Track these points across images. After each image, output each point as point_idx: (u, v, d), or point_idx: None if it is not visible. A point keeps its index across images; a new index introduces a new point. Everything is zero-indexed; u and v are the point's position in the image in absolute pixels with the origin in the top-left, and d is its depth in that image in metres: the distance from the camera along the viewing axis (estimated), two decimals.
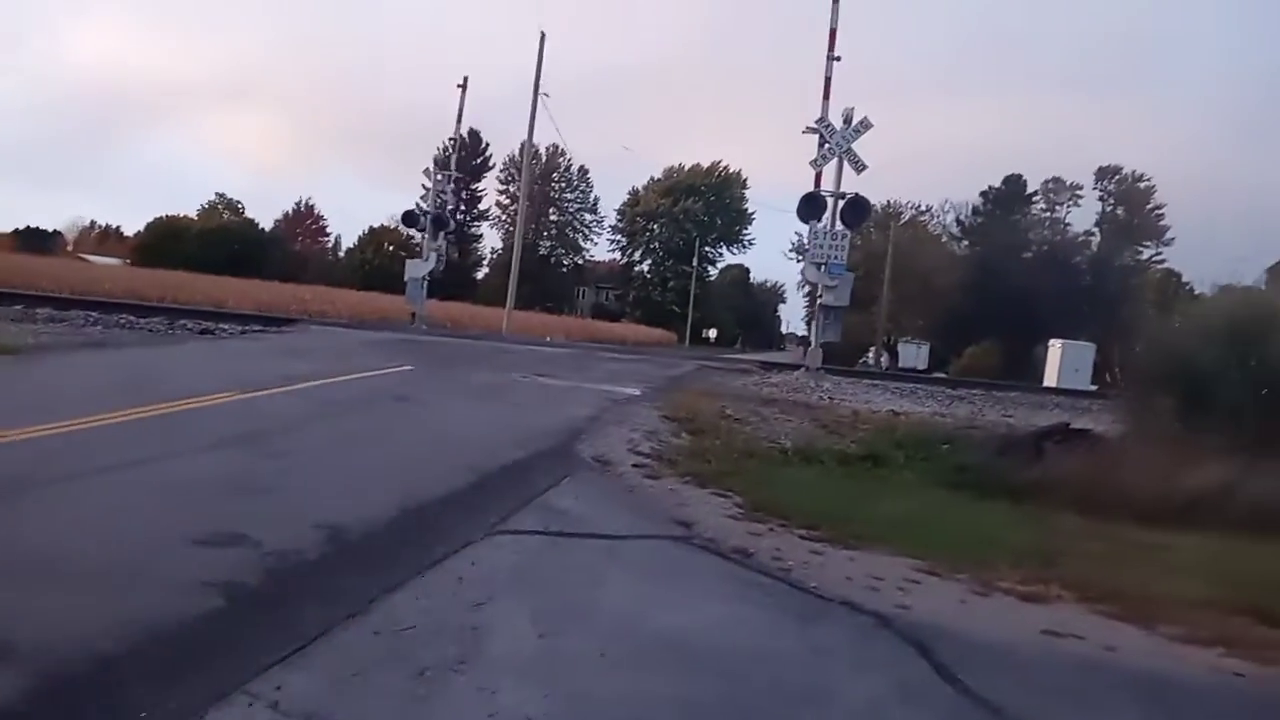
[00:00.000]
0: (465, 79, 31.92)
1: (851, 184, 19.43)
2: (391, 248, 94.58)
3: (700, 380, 17.35)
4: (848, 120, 19.46)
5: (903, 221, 78.37)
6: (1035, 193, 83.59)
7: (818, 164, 19.53)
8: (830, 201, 19.55)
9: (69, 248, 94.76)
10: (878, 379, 22.75)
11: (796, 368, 23.60)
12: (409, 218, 29.41)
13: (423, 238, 29.76)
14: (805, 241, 19.88)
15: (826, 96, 19.83)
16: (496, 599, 4.92)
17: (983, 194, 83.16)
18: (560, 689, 3.93)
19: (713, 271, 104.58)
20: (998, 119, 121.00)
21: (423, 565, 5.32)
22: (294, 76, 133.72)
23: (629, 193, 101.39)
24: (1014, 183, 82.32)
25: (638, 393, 13.85)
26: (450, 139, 29.29)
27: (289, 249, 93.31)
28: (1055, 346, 41.31)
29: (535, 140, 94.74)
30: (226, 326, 20.11)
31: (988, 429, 14.60)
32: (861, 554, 7.35)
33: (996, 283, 70.05)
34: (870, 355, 66.30)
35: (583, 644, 4.47)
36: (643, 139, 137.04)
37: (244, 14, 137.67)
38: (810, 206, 19.57)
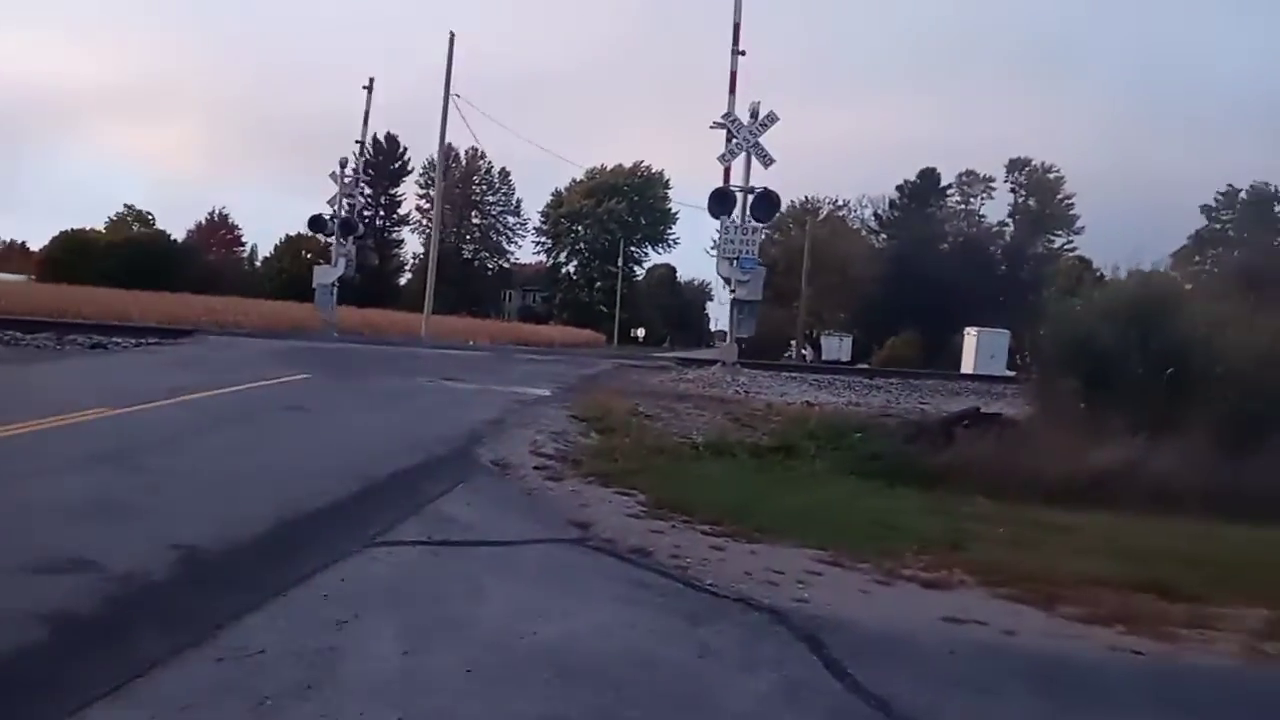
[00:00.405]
0: (371, 80, 31.24)
1: (761, 178, 19.45)
2: (309, 255, 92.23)
3: (616, 379, 17.10)
4: (755, 115, 19.40)
5: (821, 217, 79.29)
6: (949, 186, 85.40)
7: (725, 159, 19.43)
8: (739, 196, 19.46)
9: None
10: (796, 372, 22.78)
11: (715, 363, 23.57)
12: (315, 222, 28.57)
13: (332, 243, 28.91)
14: (721, 242, 19.75)
15: (732, 91, 19.80)
16: (362, 616, 4.58)
17: (898, 188, 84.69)
18: (416, 711, 3.63)
19: (640, 271, 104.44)
20: (911, 114, 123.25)
21: (287, 583, 4.95)
22: (205, 83, 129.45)
23: (552, 194, 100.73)
24: (928, 176, 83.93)
25: (548, 393, 13.53)
26: (357, 141, 28.55)
27: (202, 260, 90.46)
28: (971, 334, 42.03)
29: (456, 143, 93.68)
30: (120, 340, 19.22)
31: (901, 417, 14.62)
32: (764, 548, 7.17)
33: (914, 274, 71.25)
34: (793, 349, 66.82)
35: (450, 660, 4.16)
36: (564, 141, 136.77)
37: (150, 20, 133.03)
38: (720, 202, 19.45)
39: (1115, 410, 12.27)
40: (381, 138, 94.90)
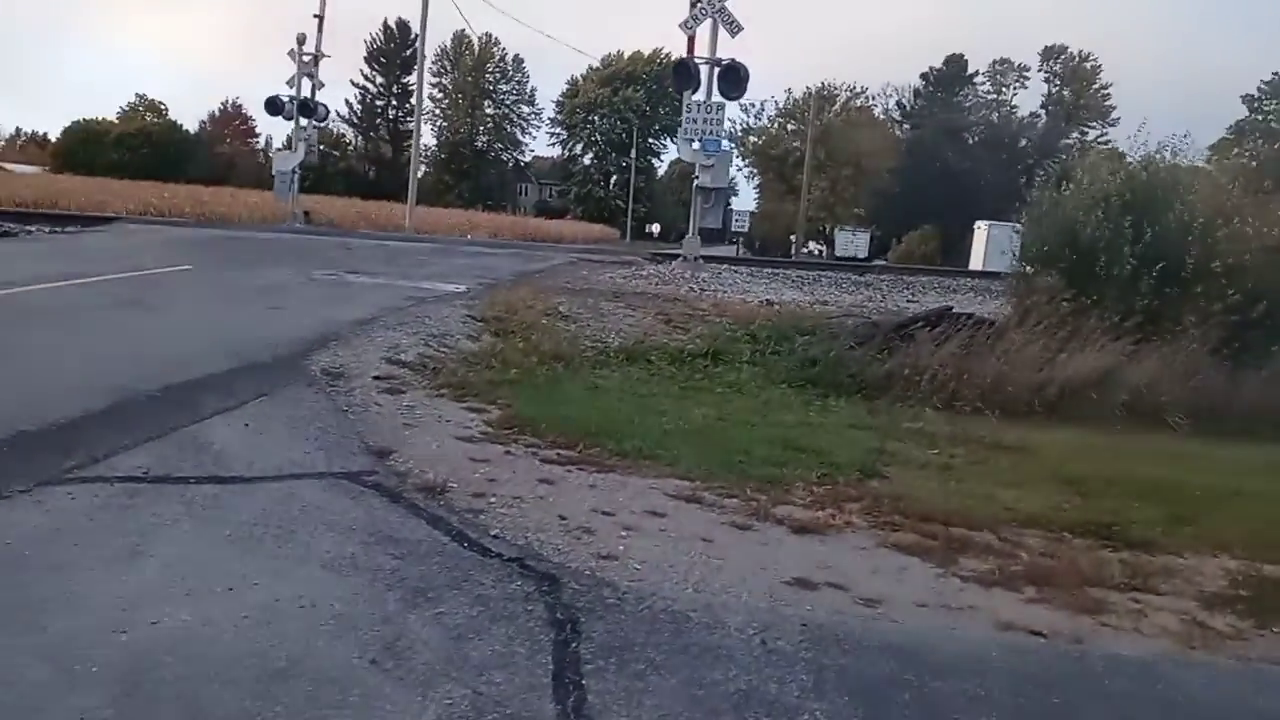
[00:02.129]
0: None
1: (731, 49, 17.45)
2: (322, 147, 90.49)
3: (562, 275, 15.65)
4: None
5: (838, 104, 75.92)
6: (977, 74, 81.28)
7: (689, 26, 17.38)
8: (704, 70, 17.55)
9: None
10: (777, 268, 21.14)
11: (723, 260, 21.94)
12: (272, 105, 26.64)
13: (298, 127, 27.12)
14: (684, 122, 17.81)
15: None
16: None
17: (923, 76, 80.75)
18: None
19: (660, 165, 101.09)
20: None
21: None
22: None
23: (567, 83, 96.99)
24: (955, 63, 79.84)
25: (463, 289, 12.12)
26: (315, 15, 26.44)
27: (215, 151, 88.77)
28: (981, 229, 39.70)
29: (470, 30, 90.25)
30: (35, 228, 18.03)
31: (865, 317, 13.12)
32: (614, 479, 5.85)
33: (935, 167, 68.36)
34: (798, 244, 64.59)
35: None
36: (579, 27, 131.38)
37: None
38: (682, 76, 17.54)
39: (1100, 311, 10.73)
40: (393, 24, 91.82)
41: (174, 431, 5.56)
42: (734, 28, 17.13)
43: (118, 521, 4.22)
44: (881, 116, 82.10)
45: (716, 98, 17.50)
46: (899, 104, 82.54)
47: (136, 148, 75.59)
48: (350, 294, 11.00)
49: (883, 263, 47.84)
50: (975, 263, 36.35)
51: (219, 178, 64.97)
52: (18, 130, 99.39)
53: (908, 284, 21.40)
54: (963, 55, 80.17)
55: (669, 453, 6.58)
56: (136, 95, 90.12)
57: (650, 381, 9.01)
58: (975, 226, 41.98)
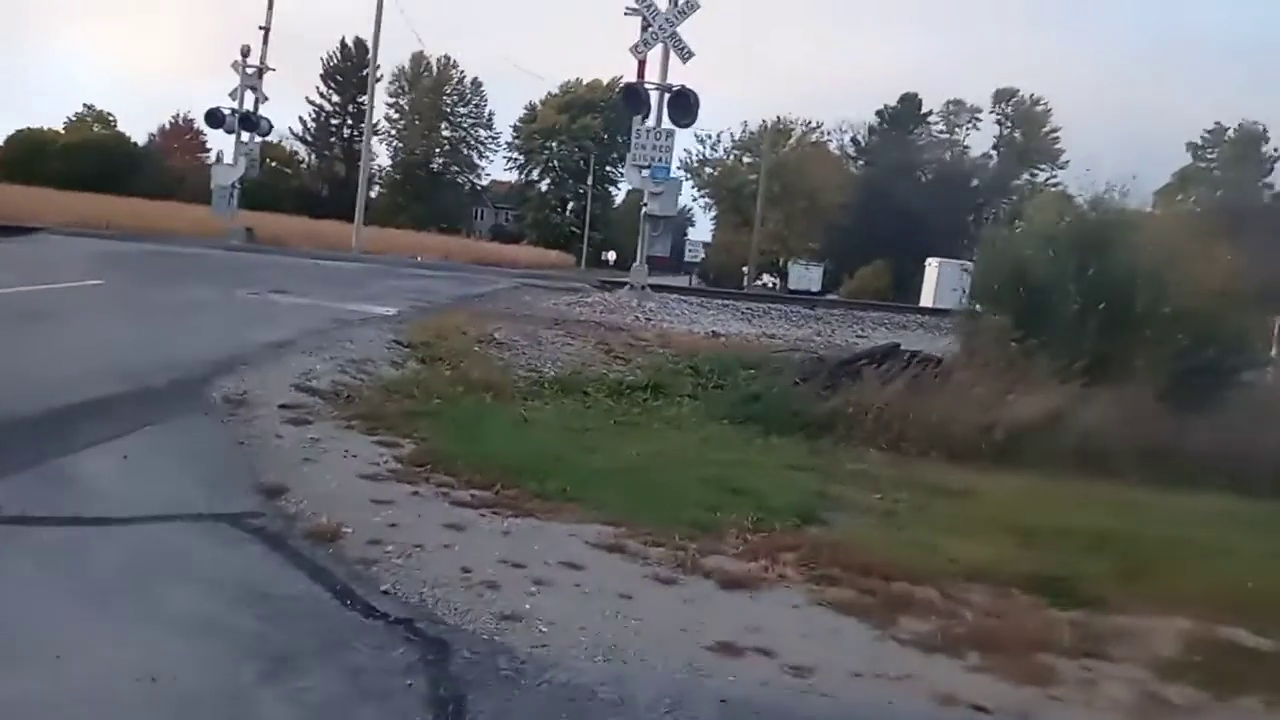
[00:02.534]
0: None
1: (681, 75, 17.20)
2: (274, 164, 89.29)
3: (503, 300, 15.17)
4: (674, 0, 17.09)
5: (793, 138, 76.50)
6: (930, 112, 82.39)
7: (639, 50, 17.07)
8: (655, 95, 17.26)
9: None
10: (726, 299, 20.81)
11: (673, 290, 21.54)
12: (212, 117, 25.88)
13: (239, 141, 26.32)
14: (633, 148, 17.43)
15: None
16: None
17: (878, 113, 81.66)
18: None
19: (618, 193, 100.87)
20: (898, 37, 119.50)
21: None
22: None
23: (526, 108, 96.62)
24: (909, 101, 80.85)
25: (393, 312, 11.60)
26: (261, 27, 25.77)
27: (164, 164, 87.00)
28: (932, 265, 39.78)
29: (428, 52, 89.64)
30: None
31: (812, 352, 12.81)
32: (530, 524, 5.39)
33: (888, 203, 68.85)
34: (750, 276, 64.59)
35: None
36: (539, 52, 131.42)
37: None
38: (632, 100, 17.21)
39: (1049, 353, 10.50)
40: (350, 42, 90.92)
41: (40, 464, 5.00)
42: (685, 54, 16.88)
43: None
44: (836, 152, 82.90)
45: (667, 124, 17.22)
46: (854, 140, 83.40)
47: (82, 159, 73.99)
48: (272, 314, 10.44)
49: (834, 297, 48.00)
50: (926, 299, 36.44)
51: (167, 192, 63.66)
52: None
53: (858, 319, 21.24)
54: (917, 94, 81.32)
55: (595, 495, 6.13)
56: (84, 106, 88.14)
57: (584, 415, 8.57)
58: (927, 263, 42.18)
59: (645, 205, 17.84)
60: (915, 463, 8.86)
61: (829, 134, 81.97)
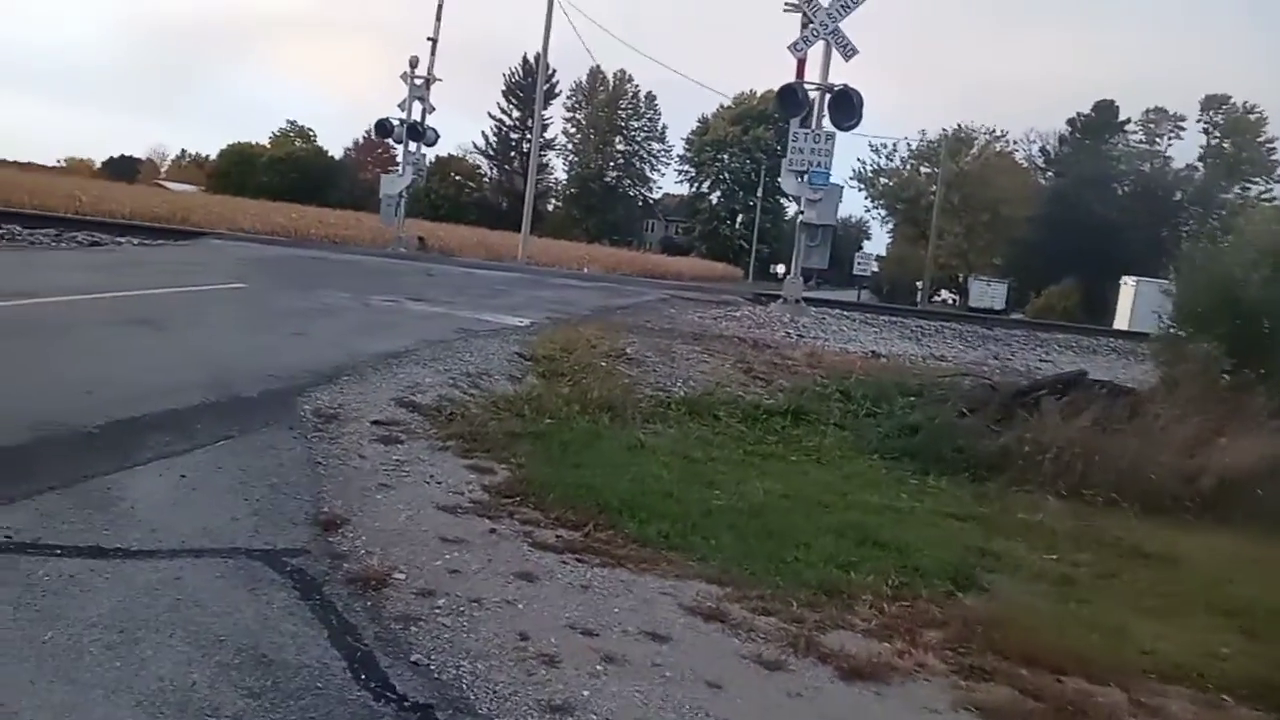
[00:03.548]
0: None
1: (843, 74, 15.98)
2: (458, 177, 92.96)
3: (645, 313, 14.42)
4: None
5: (975, 148, 72.82)
6: (1128, 121, 76.72)
7: (799, 49, 15.96)
8: (814, 96, 16.12)
9: (162, 173, 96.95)
10: (893, 315, 19.37)
11: (834, 305, 20.29)
12: (381, 128, 26.49)
13: (407, 151, 26.78)
14: (790, 152, 16.25)
15: None
16: None
17: (1069, 121, 76.74)
18: None
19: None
20: (1094, 42, 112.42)
21: None
22: (379, 2, 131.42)
23: (698, 121, 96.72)
24: (1105, 110, 75.58)
25: (526, 323, 11.04)
26: (429, 39, 26.13)
27: (357, 177, 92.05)
28: (1129, 285, 36.29)
29: (605, 67, 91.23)
30: (126, 239, 18.02)
31: (984, 378, 11.46)
32: (615, 578, 4.57)
33: (1080, 217, 64.40)
34: (925, 291, 61.67)
35: None
36: (712, 65, 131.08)
37: None
38: (789, 101, 16.12)
39: (1266, 388, 8.86)
40: (531, 58, 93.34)
41: (84, 481, 4.56)
42: (848, 51, 15.70)
43: None
44: (1023, 162, 78.54)
45: (827, 126, 16.08)
46: (1042, 150, 78.77)
47: (285, 171, 79.55)
48: (397, 322, 10.06)
49: (1018, 316, 45.06)
50: (1121, 321, 33.44)
51: (359, 202, 67.05)
52: (183, 152, 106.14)
53: (1041, 341, 19.39)
54: (1113, 102, 76.00)
55: (703, 542, 5.26)
56: (288, 121, 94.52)
57: (710, 443, 7.68)
58: (1122, 282, 38.75)
59: (801, 213, 16.74)
60: (1101, 515, 7.51)
61: (1015, 143, 77.74)
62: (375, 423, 6.25)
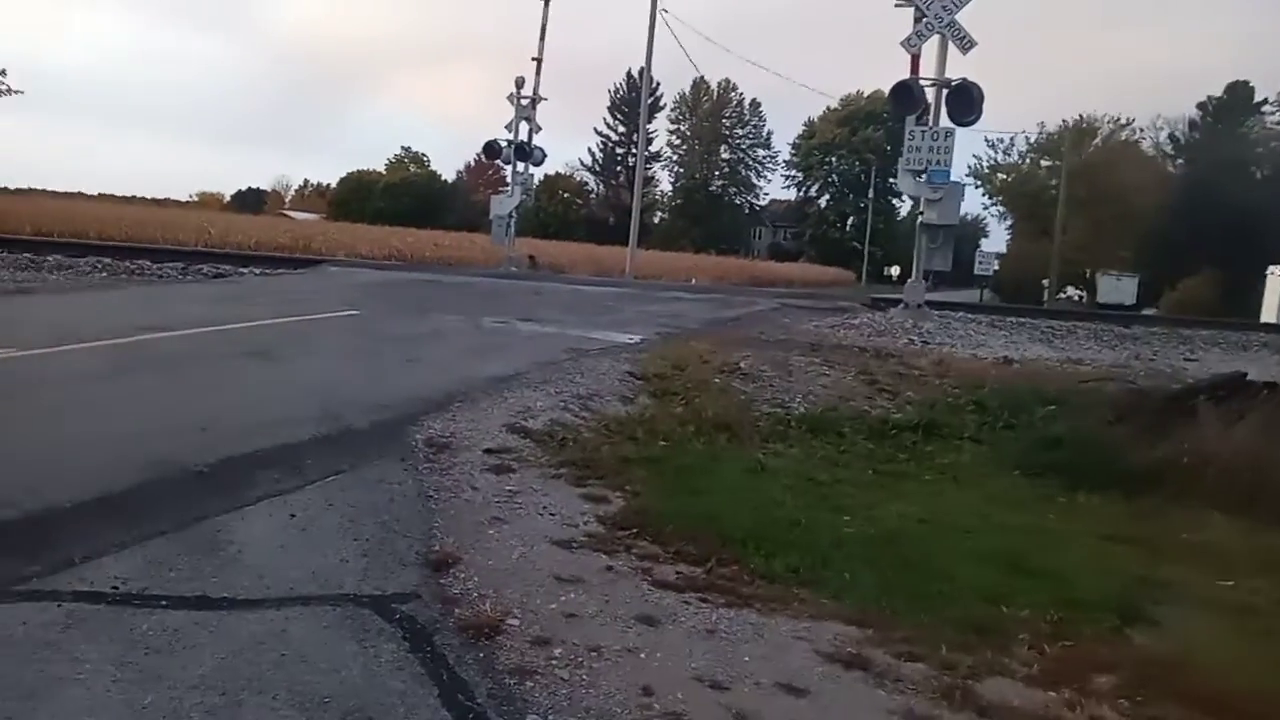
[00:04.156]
0: None
1: (960, 68, 15.17)
2: (566, 194, 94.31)
3: (758, 323, 13.96)
4: None
5: (1099, 138, 69.59)
6: (1264, 102, 71.99)
7: (912, 44, 15.21)
8: (930, 92, 15.40)
9: (286, 203, 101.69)
10: (1023, 316, 18.39)
11: (957, 308, 19.43)
12: (490, 149, 26.76)
13: (515, 171, 27.04)
14: (906, 151, 15.54)
15: None
16: None
17: (1199, 105, 72.54)
18: None
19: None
20: (1218, 21, 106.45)
21: None
22: (485, 29, 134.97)
23: (804, 124, 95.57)
24: (1239, 91, 71.15)
25: (636, 340, 10.76)
26: (534, 59, 26.30)
27: (469, 199, 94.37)
28: (1276, 275, 34.03)
29: (709, 76, 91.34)
30: (248, 270, 18.56)
31: (1130, 382, 10.66)
32: (744, 620, 4.21)
33: (1216, 205, 60.61)
34: (1052, 289, 59.05)
35: None
36: (818, 67, 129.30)
37: None
38: (903, 99, 15.41)
39: None
40: (635, 73, 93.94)
41: (195, 523, 4.47)
42: (966, 44, 14.97)
43: (11, 674, 3.07)
44: (1151, 150, 74.68)
45: (945, 123, 15.35)
46: (1171, 137, 74.68)
47: (400, 196, 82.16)
48: (507, 344, 9.93)
49: (1152, 312, 42.75)
50: (1269, 314, 31.25)
51: (472, 224, 68.62)
52: (305, 182, 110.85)
53: (1184, 339, 18.15)
54: (1248, 82, 71.55)
55: (837, 577, 4.85)
56: (402, 148, 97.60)
57: (836, 462, 7.24)
58: (1269, 272, 36.23)
59: (921, 214, 16.03)
60: (1277, 534, 6.76)
61: (1141, 131, 73.95)
62: (487, 451, 6.06)
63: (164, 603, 3.65)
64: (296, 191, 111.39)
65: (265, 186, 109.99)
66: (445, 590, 4.09)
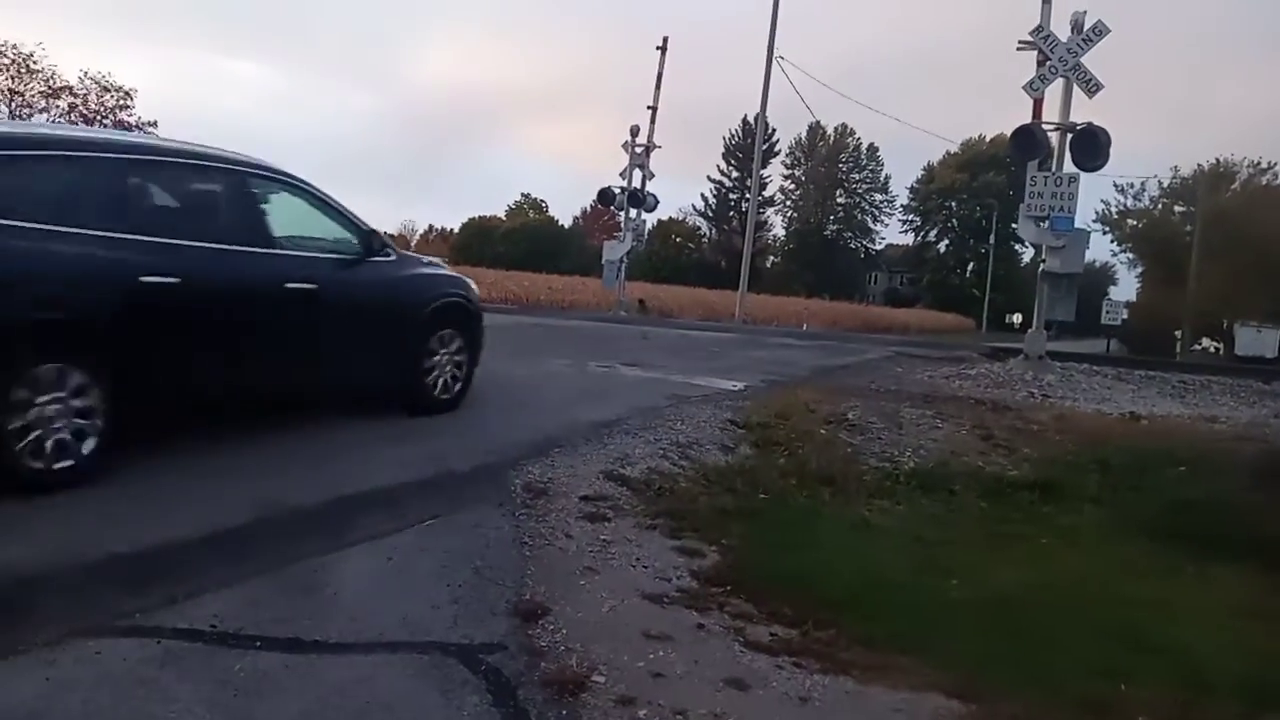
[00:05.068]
0: (665, 40, 28.64)
1: (1085, 112, 14.61)
2: (678, 239, 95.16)
3: (869, 372, 13.61)
4: (1076, 27, 14.64)
5: (1237, 182, 66.22)
6: None
7: (1035, 88, 14.73)
8: (1054, 137, 14.85)
9: (411, 247, 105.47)
10: (1153, 369, 17.44)
11: (1082, 359, 18.59)
12: (604, 195, 27.18)
13: (628, 217, 27.40)
14: (1027, 197, 14.97)
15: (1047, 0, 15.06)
16: None
17: None
18: None
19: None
20: None
21: None
22: (605, 77, 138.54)
23: (923, 169, 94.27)
24: None
25: (740, 387, 10.58)
26: (649, 107, 26.67)
27: (585, 244, 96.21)
28: None
29: (825, 121, 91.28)
30: None
31: (1271, 443, 9.99)
32: (840, 687, 4.03)
33: None
34: (1185, 341, 56.10)
35: None
36: (936, 111, 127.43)
37: (564, 27, 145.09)
38: (1024, 144, 14.88)
39: None
40: (751, 119, 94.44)
41: (295, 563, 4.56)
42: (1092, 87, 14.44)
43: (108, 708, 3.15)
44: None
45: (1069, 168, 14.80)
46: None
47: (518, 241, 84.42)
48: (610, 389, 9.91)
49: None
50: None
51: (586, 268, 69.73)
52: (430, 227, 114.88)
53: None
54: None
55: (942, 644, 4.62)
56: (522, 194, 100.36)
57: (946, 522, 6.95)
58: None
59: (1043, 261, 15.45)
60: None
61: None
62: (583, 498, 6.03)
63: (258, 644, 3.71)
64: (421, 236, 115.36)
65: (393, 230, 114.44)
66: (533, 642, 4.05)
